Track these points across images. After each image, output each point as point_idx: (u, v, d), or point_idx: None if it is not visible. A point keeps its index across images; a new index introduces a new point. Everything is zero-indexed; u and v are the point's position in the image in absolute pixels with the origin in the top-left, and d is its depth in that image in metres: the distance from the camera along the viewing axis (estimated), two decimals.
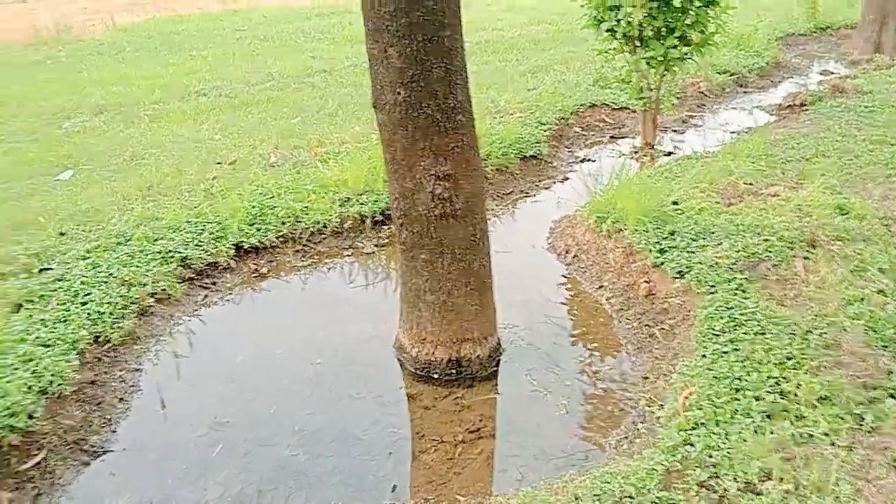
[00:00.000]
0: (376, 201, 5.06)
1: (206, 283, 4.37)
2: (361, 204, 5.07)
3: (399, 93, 3.00)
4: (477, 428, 3.17)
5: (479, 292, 3.41)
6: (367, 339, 3.83)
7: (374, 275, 4.54)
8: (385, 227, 4.98)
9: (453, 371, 3.45)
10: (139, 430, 3.21)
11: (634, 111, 7.07)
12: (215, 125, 7.07)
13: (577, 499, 2.51)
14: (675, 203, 4.66)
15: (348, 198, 5.11)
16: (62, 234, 4.60)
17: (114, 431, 3.18)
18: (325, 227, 4.89)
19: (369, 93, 3.15)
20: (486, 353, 3.50)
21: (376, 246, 4.85)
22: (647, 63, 6.15)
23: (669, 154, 6.45)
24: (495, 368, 3.55)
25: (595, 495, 2.51)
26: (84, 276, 4.00)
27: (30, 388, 3.08)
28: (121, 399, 3.38)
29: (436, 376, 3.46)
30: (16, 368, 3.16)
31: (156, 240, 4.49)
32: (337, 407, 3.33)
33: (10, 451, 2.87)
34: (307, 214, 4.91)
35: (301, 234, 4.82)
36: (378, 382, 3.49)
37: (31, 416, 2.98)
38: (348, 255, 4.75)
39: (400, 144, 3.10)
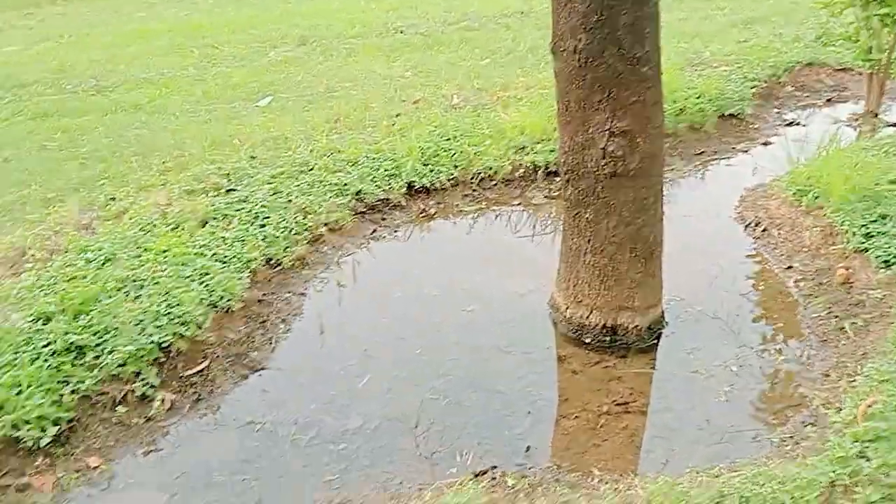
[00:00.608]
0: (551, 151, 4.87)
1: (376, 218, 4.46)
2: (536, 153, 4.91)
3: (580, 39, 2.80)
4: (625, 401, 2.99)
5: (645, 259, 3.18)
6: (524, 292, 3.73)
7: (541, 227, 4.41)
8: (557, 179, 4.76)
9: (607, 338, 3.27)
10: (295, 352, 3.36)
11: (860, 74, 6.26)
12: (407, 63, 7.17)
13: (721, 496, 2.30)
14: (892, 182, 4.08)
15: (524, 145, 4.97)
16: (253, 157, 4.87)
17: (272, 350, 3.35)
18: (496, 173, 4.81)
19: None
20: (645, 324, 3.28)
21: (546, 197, 4.70)
22: (881, 20, 5.37)
23: (894, 125, 5.67)
24: (654, 342, 3.33)
25: (743, 497, 2.27)
26: (265, 200, 4.21)
27: (202, 300, 3.31)
28: (283, 320, 3.54)
29: (588, 341, 3.30)
30: (192, 280, 3.40)
31: (335, 171, 4.64)
32: (483, 357, 3.28)
33: (178, 356, 3.11)
34: (480, 159, 4.85)
35: (472, 178, 4.78)
36: (528, 338, 3.40)
37: (199, 327, 3.21)
38: (517, 205, 4.65)
39: (575, 95, 2.91)
